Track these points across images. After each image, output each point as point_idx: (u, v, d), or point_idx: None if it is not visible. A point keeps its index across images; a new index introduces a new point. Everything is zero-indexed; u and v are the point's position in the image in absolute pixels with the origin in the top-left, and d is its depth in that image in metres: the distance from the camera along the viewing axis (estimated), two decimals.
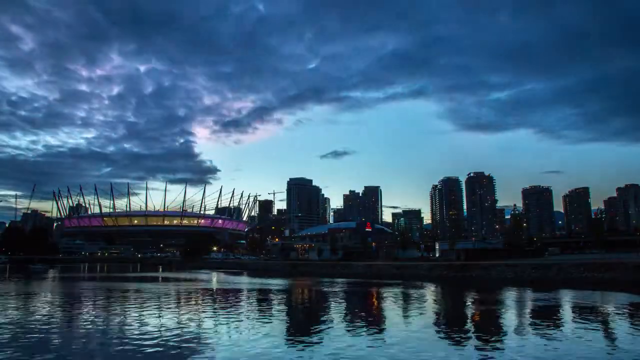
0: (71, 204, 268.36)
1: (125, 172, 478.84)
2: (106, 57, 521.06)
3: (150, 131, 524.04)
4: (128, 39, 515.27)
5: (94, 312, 28.65)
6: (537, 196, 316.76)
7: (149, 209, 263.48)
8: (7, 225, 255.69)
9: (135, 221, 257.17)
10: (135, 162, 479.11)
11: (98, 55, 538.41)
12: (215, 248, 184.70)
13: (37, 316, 26.23)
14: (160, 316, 26.63)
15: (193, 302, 35.51)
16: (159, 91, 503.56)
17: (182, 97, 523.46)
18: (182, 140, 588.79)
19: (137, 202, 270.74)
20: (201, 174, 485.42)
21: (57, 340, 19.23)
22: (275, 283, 57.76)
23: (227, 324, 23.66)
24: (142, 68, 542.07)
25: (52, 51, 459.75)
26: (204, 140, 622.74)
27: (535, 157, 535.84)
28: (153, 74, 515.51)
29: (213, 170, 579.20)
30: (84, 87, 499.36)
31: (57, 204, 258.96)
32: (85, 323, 23.86)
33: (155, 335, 19.61)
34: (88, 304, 34.07)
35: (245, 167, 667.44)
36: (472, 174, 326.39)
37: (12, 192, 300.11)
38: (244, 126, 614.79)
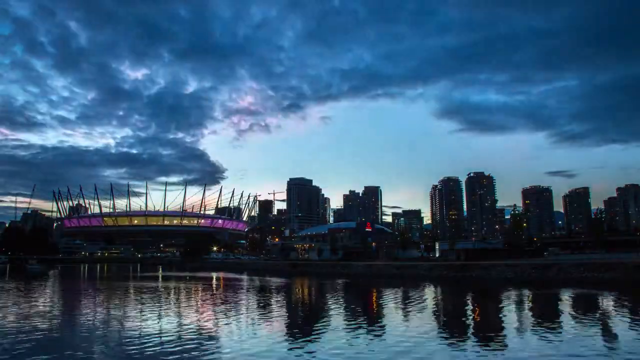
0: (71, 204, 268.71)
1: (143, 172, 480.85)
2: (156, 55, 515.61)
3: (178, 131, 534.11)
4: (184, 37, 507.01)
5: (92, 316, 28.67)
6: (537, 196, 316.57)
7: (149, 209, 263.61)
8: (7, 225, 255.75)
9: (135, 221, 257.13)
10: (154, 162, 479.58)
11: (148, 51, 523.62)
12: (215, 248, 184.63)
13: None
14: (160, 316, 26.66)
15: (193, 303, 35.53)
16: (199, 91, 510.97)
17: (222, 97, 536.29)
18: (205, 141, 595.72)
19: (137, 202, 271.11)
20: (216, 173, 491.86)
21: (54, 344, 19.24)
22: (275, 283, 57.76)
23: (228, 324, 23.69)
24: (190, 66, 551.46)
25: (102, 49, 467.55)
26: (230, 140, 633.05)
27: (536, 157, 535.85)
28: (200, 71, 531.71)
29: (222, 170, 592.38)
30: (126, 86, 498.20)
31: (57, 204, 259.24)
32: (85, 325, 23.87)
33: (156, 336, 19.63)
34: (89, 308, 34.06)
35: (262, 167, 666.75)
36: (472, 174, 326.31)
37: (28, 193, 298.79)
38: (270, 126, 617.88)
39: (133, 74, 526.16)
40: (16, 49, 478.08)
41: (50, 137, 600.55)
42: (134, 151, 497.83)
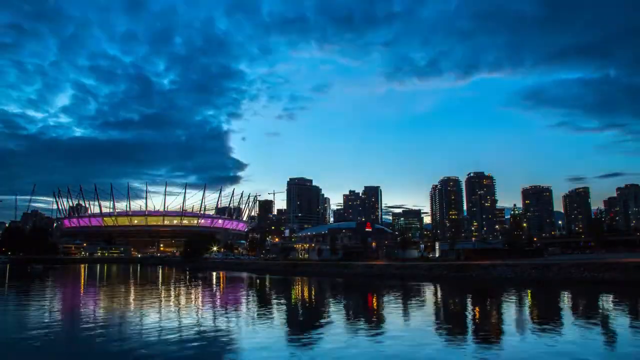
0: (71, 204, 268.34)
1: (176, 171, 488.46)
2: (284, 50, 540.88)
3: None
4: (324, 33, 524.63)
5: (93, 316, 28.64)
6: (537, 196, 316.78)
7: (148, 209, 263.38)
8: (7, 225, 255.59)
9: (135, 221, 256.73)
10: (200, 164, 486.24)
11: (275, 48, 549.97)
12: (215, 248, 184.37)
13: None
14: (160, 315, 26.65)
15: (193, 302, 35.52)
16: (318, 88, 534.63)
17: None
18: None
19: (137, 203, 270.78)
20: (239, 171, 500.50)
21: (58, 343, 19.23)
22: (275, 283, 57.74)
23: (227, 324, 23.68)
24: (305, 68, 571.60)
25: (221, 43, 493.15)
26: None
27: (536, 156, 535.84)
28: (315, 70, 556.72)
29: (242, 167, 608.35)
30: (231, 85, 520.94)
31: (57, 203, 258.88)
32: (86, 326, 23.85)
33: (156, 335, 19.63)
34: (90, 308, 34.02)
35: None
36: (472, 174, 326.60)
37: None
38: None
39: (250, 71, 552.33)
40: (140, 49, 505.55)
41: (120, 135, 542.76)
42: (187, 150, 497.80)
